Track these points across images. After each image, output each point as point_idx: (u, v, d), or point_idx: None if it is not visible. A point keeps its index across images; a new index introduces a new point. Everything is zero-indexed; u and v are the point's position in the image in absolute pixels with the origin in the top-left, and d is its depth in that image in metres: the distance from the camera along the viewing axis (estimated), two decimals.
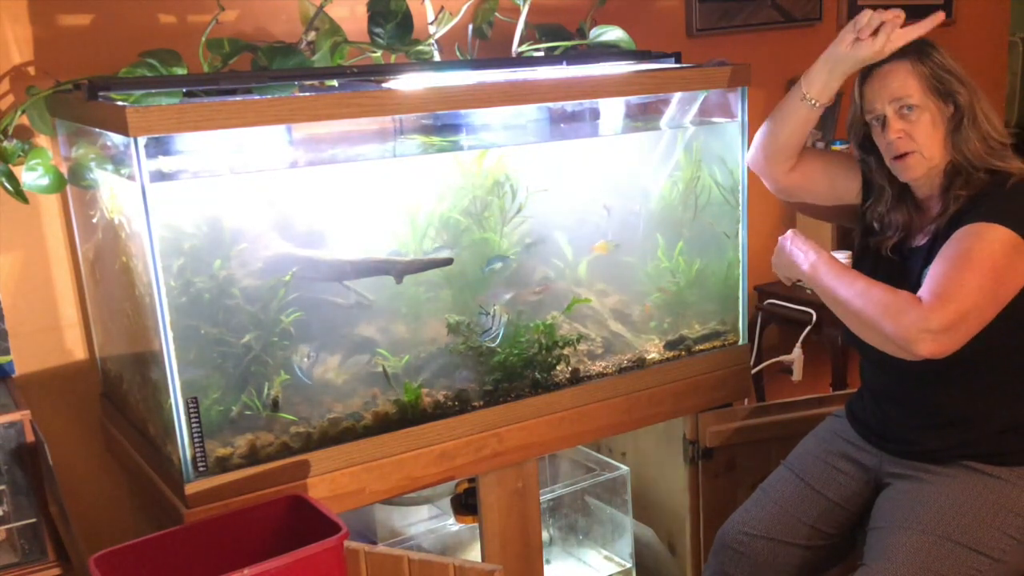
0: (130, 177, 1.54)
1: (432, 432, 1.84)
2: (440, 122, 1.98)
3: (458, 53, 2.21)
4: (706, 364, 2.15)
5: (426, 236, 1.83)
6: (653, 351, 2.11)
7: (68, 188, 1.94)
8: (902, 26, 1.71)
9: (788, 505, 1.86)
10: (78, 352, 2.05)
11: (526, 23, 2.15)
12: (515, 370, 1.94)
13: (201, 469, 1.63)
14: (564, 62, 2.06)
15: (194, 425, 1.61)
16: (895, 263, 1.79)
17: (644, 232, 2.09)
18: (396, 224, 1.81)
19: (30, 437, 1.68)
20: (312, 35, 1.91)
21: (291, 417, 1.73)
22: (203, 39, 1.85)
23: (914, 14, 1.73)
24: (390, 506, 2.22)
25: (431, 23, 2.10)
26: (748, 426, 2.20)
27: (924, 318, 1.55)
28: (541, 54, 2.16)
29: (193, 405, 1.60)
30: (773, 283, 2.83)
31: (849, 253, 1.99)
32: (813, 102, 1.83)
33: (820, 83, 1.81)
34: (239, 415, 1.69)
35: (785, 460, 1.96)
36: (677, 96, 2.09)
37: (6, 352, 1.92)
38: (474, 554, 2.21)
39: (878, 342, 1.64)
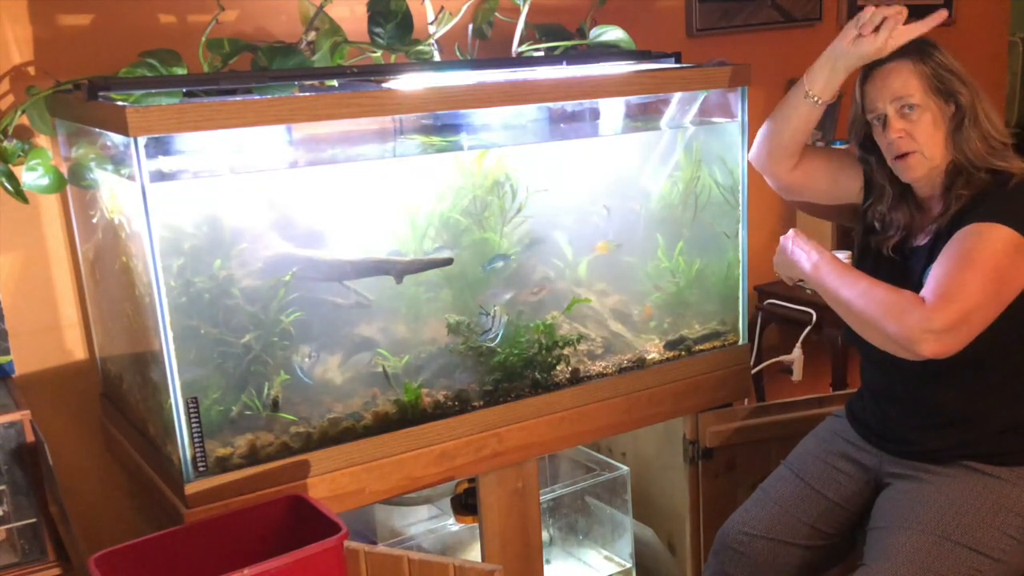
0: (130, 177, 1.54)
1: (432, 432, 1.84)
2: (440, 122, 1.98)
3: (458, 53, 2.21)
4: (706, 364, 2.15)
5: (426, 236, 1.83)
6: (653, 351, 2.11)
7: (68, 188, 1.94)
8: (904, 23, 1.71)
9: (788, 505, 1.86)
10: (78, 352, 2.05)
11: (526, 23, 2.15)
12: (515, 370, 1.94)
13: (201, 469, 1.63)
14: (564, 62, 2.06)
15: (194, 425, 1.61)
16: (896, 262, 1.79)
17: (644, 232, 2.09)
18: (396, 224, 1.81)
19: (30, 437, 1.68)
20: (312, 35, 1.91)
21: (291, 417, 1.73)
22: (203, 39, 1.85)
23: (915, 14, 1.73)
24: (390, 506, 2.22)
25: (431, 23, 2.10)
26: (748, 426, 2.20)
27: (927, 318, 1.55)
28: (541, 54, 2.16)
29: (193, 405, 1.60)
30: (773, 283, 2.83)
31: (849, 253, 1.99)
32: (816, 99, 1.83)
33: (822, 80, 1.81)
34: (239, 415, 1.69)
35: (785, 460, 1.96)
36: (677, 96, 2.09)
37: (6, 352, 1.92)
38: (474, 554, 2.21)
39: (880, 342, 1.64)
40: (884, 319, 1.60)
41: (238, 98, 1.69)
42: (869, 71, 1.76)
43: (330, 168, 1.83)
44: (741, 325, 2.20)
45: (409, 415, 1.83)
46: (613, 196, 2.04)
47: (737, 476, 2.23)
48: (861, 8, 2.75)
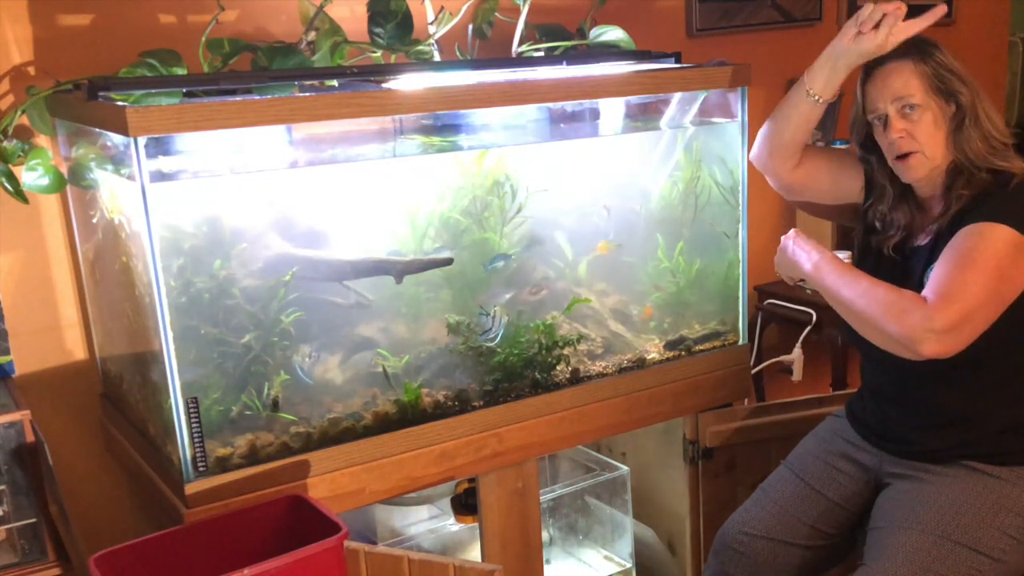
0: (130, 177, 1.54)
1: (432, 432, 1.84)
2: (440, 122, 1.98)
3: (458, 53, 2.21)
4: (706, 364, 2.15)
5: (426, 236, 1.83)
6: (653, 351, 2.11)
7: (68, 188, 1.94)
8: (904, 19, 1.71)
9: (788, 505, 1.86)
10: (78, 352, 2.05)
11: (526, 23, 2.15)
12: (515, 370, 1.94)
13: (201, 469, 1.63)
14: (564, 62, 2.06)
15: (194, 425, 1.61)
16: (897, 262, 1.79)
17: (644, 232, 2.09)
18: (396, 224, 1.81)
19: (30, 437, 1.68)
20: (312, 35, 1.91)
21: (291, 417, 1.73)
22: (203, 39, 1.85)
23: (914, 13, 1.73)
24: (390, 506, 2.22)
25: (431, 23, 2.10)
26: (748, 426, 2.20)
27: (928, 318, 1.55)
28: (541, 54, 2.16)
29: (193, 405, 1.60)
30: (773, 283, 2.83)
31: (850, 253, 1.99)
32: (817, 98, 1.83)
33: (823, 78, 1.81)
34: (239, 415, 1.69)
35: (785, 460, 1.96)
36: (677, 96, 2.09)
37: (6, 352, 1.92)
38: (474, 554, 2.21)
39: (882, 342, 1.64)
40: (885, 319, 1.60)
41: (238, 98, 1.69)
42: (870, 71, 1.76)
43: (330, 168, 1.83)
44: (741, 325, 2.20)
45: (409, 415, 1.83)
46: (613, 196, 2.04)
47: (737, 476, 2.23)
48: (859, 7, 2.75)
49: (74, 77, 1.83)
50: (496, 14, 2.20)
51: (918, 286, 1.68)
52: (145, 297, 1.61)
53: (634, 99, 2.09)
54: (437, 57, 2.09)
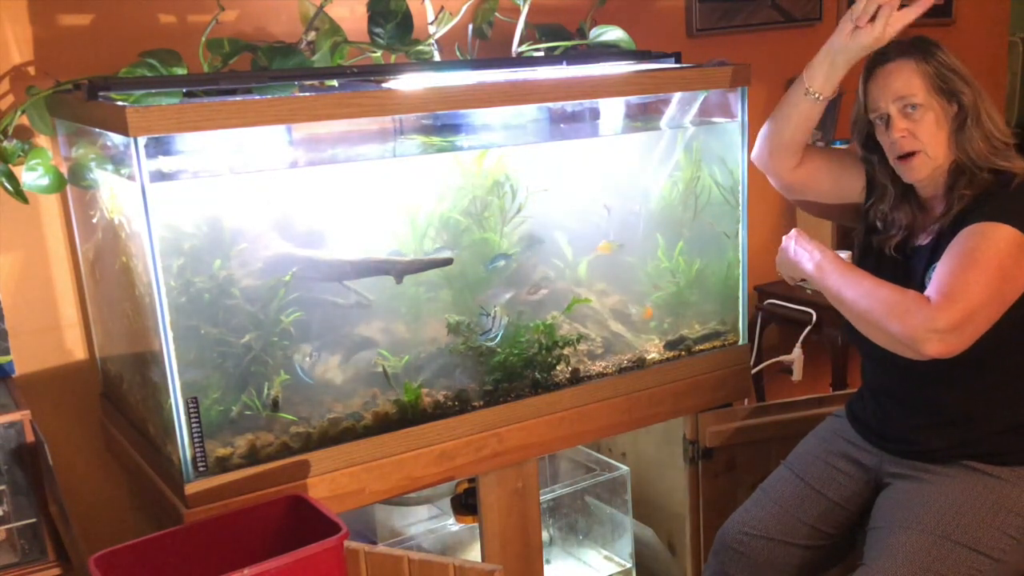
0: (130, 177, 1.54)
1: (432, 432, 1.84)
2: (440, 122, 1.98)
3: (458, 53, 2.21)
4: (706, 364, 2.15)
5: (426, 236, 1.83)
6: (653, 351, 2.11)
7: (68, 188, 1.94)
8: (899, 8, 1.71)
9: (788, 505, 1.86)
10: (78, 352, 2.05)
11: (526, 23, 2.15)
12: (515, 370, 1.94)
13: (201, 469, 1.63)
14: (564, 62, 2.06)
15: (194, 425, 1.61)
16: (898, 262, 1.79)
17: (644, 232, 2.09)
18: (396, 224, 1.81)
19: (30, 437, 1.68)
20: (312, 35, 1.91)
21: (291, 417, 1.73)
22: (203, 39, 1.85)
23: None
24: (390, 506, 2.22)
25: (431, 23, 2.10)
26: (748, 426, 2.20)
27: (931, 318, 1.55)
28: (541, 54, 2.16)
29: (193, 405, 1.60)
30: (773, 283, 2.83)
31: (850, 253, 1.99)
32: (816, 95, 1.83)
33: (822, 76, 1.82)
34: (239, 415, 1.69)
35: (785, 460, 1.96)
36: (677, 96, 2.09)
37: (6, 352, 1.92)
38: (474, 554, 2.21)
39: (884, 342, 1.64)
40: (888, 319, 1.60)
41: (238, 98, 1.69)
42: (872, 71, 1.76)
43: (330, 168, 1.83)
44: (741, 325, 2.20)
45: (409, 415, 1.83)
46: (613, 196, 2.04)
47: (737, 476, 2.23)
48: (855, 3, 2.72)
49: (74, 77, 1.83)
50: (496, 14, 2.20)
51: (920, 286, 1.68)
52: (145, 297, 1.61)
53: (634, 99, 2.09)
54: (437, 57, 2.09)
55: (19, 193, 1.83)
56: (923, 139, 1.70)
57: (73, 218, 1.98)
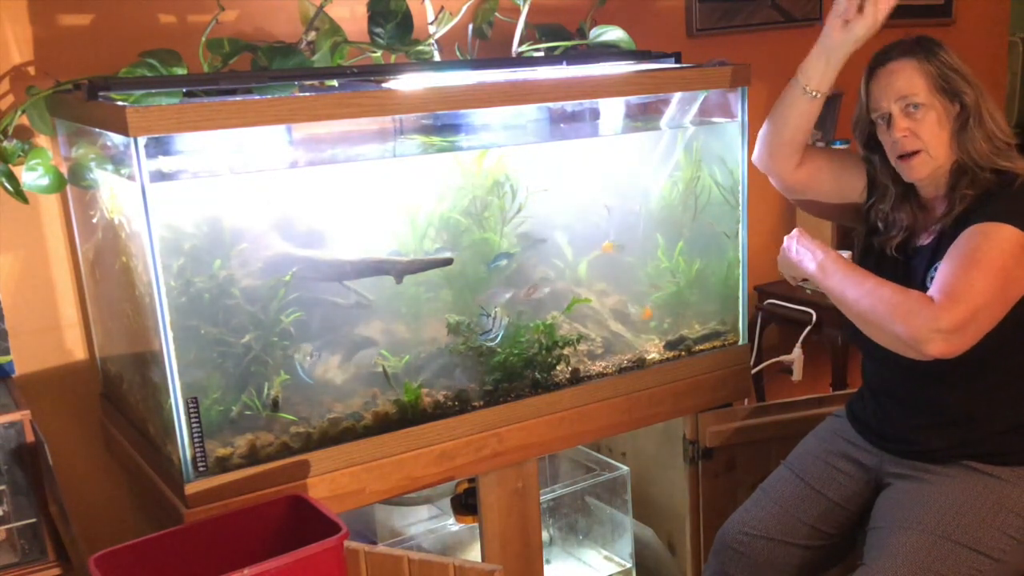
0: (130, 177, 1.53)
1: (432, 432, 1.84)
2: (440, 122, 1.98)
3: (458, 53, 2.21)
4: (706, 364, 2.15)
5: (426, 236, 1.83)
6: (653, 351, 2.11)
7: (68, 188, 1.94)
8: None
9: (788, 505, 1.86)
10: (78, 352, 2.05)
11: (526, 23, 2.15)
12: (515, 370, 1.94)
13: (201, 469, 1.63)
14: (564, 62, 2.06)
15: (194, 425, 1.61)
16: (899, 262, 1.79)
17: (644, 232, 2.09)
18: (396, 224, 1.81)
19: (30, 437, 1.68)
20: (312, 35, 1.91)
21: (291, 417, 1.73)
22: (203, 39, 1.85)
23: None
24: (390, 506, 2.22)
25: (431, 23, 2.10)
26: (748, 426, 2.20)
27: (935, 318, 1.55)
28: (541, 54, 2.16)
29: (193, 405, 1.60)
30: (773, 283, 2.83)
31: (850, 253, 1.99)
32: (814, 93, 1.83)
33: (819, 73, 1.82)
34: (239, 415, 1.69)
35: (785, 460, 1.96)
36: (677, 96, 2.09)
37: (6, 352, 1.92)
38: (474, 554, 2.21)
39: (887, 342, 1.64)
40: (891, 319, 1.60)
41: (238, 98, 1.69)
42: (874, 70, 1.76)
43: (330, 168, 1.83)
44: (741, 325, 2.20)
45: (409, 415, 1.83)
46: (613, 196, 2.04)
47: (737, 476, 2.23)
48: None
49: (74, 77, 1.83)
50: (496, 14, 2.20)
51: (921, 286, 1.68)
52: (145, 297, 1.61)
53: (634, 99, 2.09)
54: (437, 57, 2.09)
55: (19, 193, 1.83)
56: (925, 138, 1.70)
57: (73, 218, 1.98)
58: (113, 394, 2.00)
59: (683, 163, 2.08)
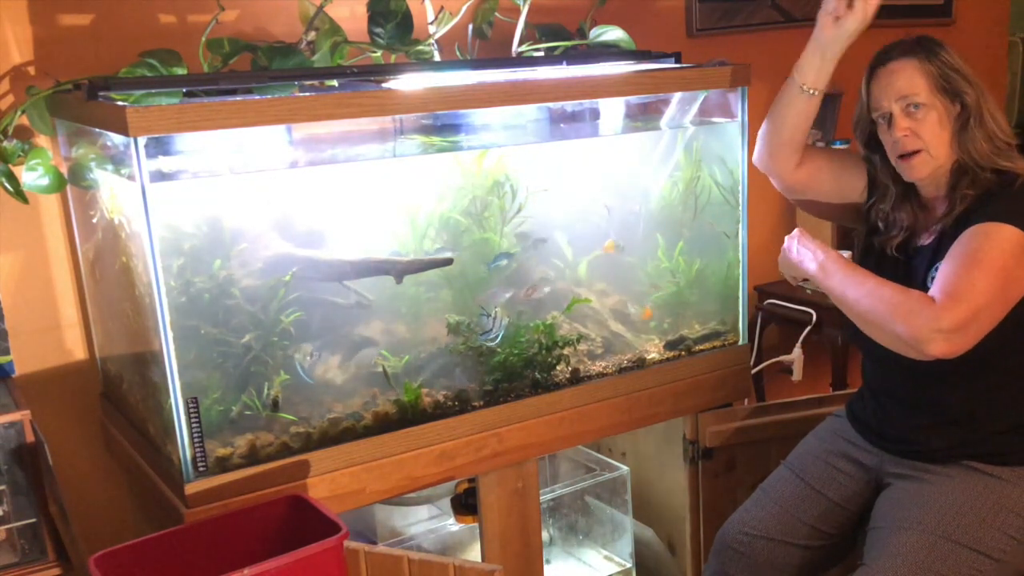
0: (130, 177, 1.53)
1: (432, 432, 1.84)
2: (440, 122, 1.98)
3: (458, 53, 2.21)
4: (706, 364, 2.15)
5: (426, 236, 1.83)
6: (653, 351, 2.11)
7: (68, 188, 1.94)
8: None
9: (788, 505, 1.86)
10: (78, 352, 2.05)
11: (526, 23, 2.15)
12: (515, 370, 1.94)
13: (201, 469, 1.63)
14: (564, 62, 2.06)
15: (194, 425, 1.61)
16: (900, 262, 1.79)
17: (644, 232, 2.09)
18: (396, 224, 1.81)
19: (30, 437, 1.68)
20: (312, 35, 1.91)
21: (291, 417, 1.73)
22: (203, 39, 1.85)
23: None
24: (390, 506, 2.22)
25: (431, 23, 2.10)
26: (748, 426, 2.20)
27: (936, 318, 1.55)
28: (541, 54, 2.16)
29: (193, 405, 1.60)
30: (773, 283, 2.83)
31: (850, 253, 1.99)
32: (811, 91, 1.83)
33: (814, 71, 1.82)
34: (239, 415, 1.69)
35: (785, 460, 1.96)
36: (677, 96, 2.09)
37: (6, 352, 1.92)
38: (474, 554, 2.21)
39: (888, 342, 1.64)
40: (892, 319, 1.60)
41: (238, 98, 1.69)
42: (875, 69, 1.76)
43: (330, 168, 1.83)
44: (741, 325, 2.20)
45: (409, 415, 1.83)
46: (613, 196, 2.04)
47: (737, 476, 2.23)
48: None
49: (74, 77, 1.83)
50: (496, 14, 2.20)
51: (922, 286, 1.68)
52: (145, 297, 1.61)
53: (634, 99, 2.09)
54: (437, 57, 2.09)
55: (19, 193, 1.83)
56: (925, 138, 1.70)
57: (73, 218, 1.98)
58: (113, 394, 2.00)
59: (683, 163, 2.08)
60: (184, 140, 1.64)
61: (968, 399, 1.72)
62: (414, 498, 2.17)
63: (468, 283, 1.89)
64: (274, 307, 1.70)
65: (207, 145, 1.68)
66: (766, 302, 2.85)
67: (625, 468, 2.33)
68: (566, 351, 2.00)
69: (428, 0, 2.11)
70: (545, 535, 2.36)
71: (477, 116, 1.98)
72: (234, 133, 1.61)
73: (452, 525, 2.22)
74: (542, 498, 2.08)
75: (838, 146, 2.83)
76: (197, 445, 1.62)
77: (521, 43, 2.16)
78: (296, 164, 1.81)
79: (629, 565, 2.37)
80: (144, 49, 1.82)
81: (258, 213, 1.71)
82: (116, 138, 1.61)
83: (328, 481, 1.75)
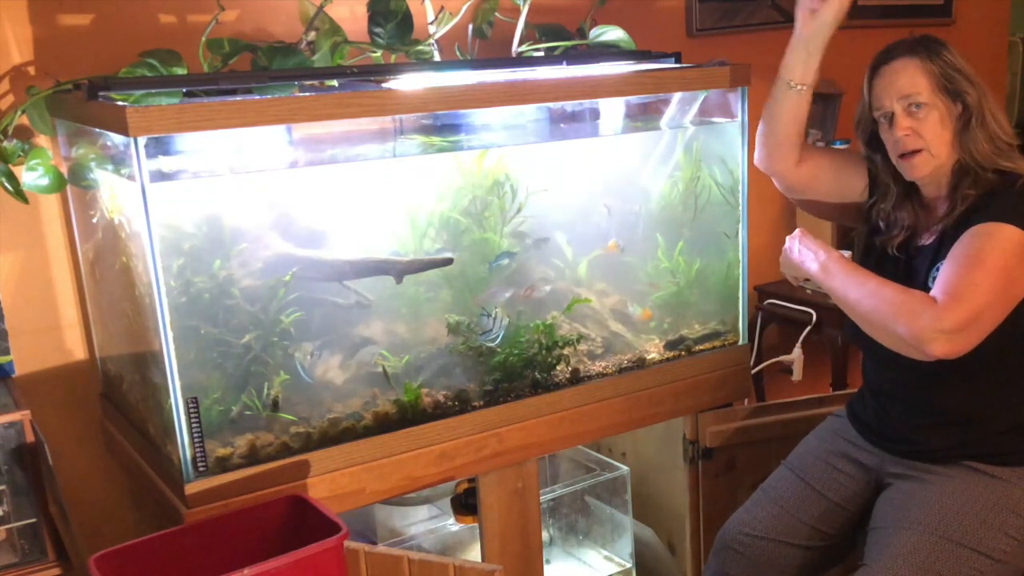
0: (130, 177, 1.53)
1: (432, 432, 1.84)
2: (440, 122, 1.98)
3: (458, 53, 2.21)
4: (706, 364, 2.15)
5: (426, 236, 1.83)
6: (653, 351, 2.11)
7: (68, 188, 1.94)
8: None
9: (788, 505, 1.86)
10: (78, 352, 2.05)
11: (526, 23, 2.15)
12: (515, 370, 1.94)
13: (201, 469, 1.63)
14: (564, 62, 2.06)
15: (194, 425, 1.61)
16: (901, 261, 1.80)
17: (644, 232, 2.09)
18: (396, 224, 1.81)
19: (30, 437, 1.68)
20: (312, 35, 1.91)
21: (291, 417, 1.73)
22: (203, 39, 1.85)
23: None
24: (390, 506, 2.22)
25: (431, 23, 2.10)
26: (748, 426, 2.20)
27: (938, 318, 1.55)
28: (541, 54, 2.16)
29: (193, 405, 1.60)
30: (773, 283, 2.83)
31: (850, 253, 1.99)
32: (799, 87, 1.84)
33: (801, 66, 1.83)
34: (239, 415, 1.69)
35: (785, 460, 1.96)
36: (677, 96, 2.09)
37: (6, 352, 1.92)
38: (474, 554, 2.21)
39: (890, 342, 1.64)
40: (894, 319, 1.60)
41: (238, 98, 1.69)
42: (877, 68, 1.76)
43: (330, 168, 1.83)
44: (741, 325, 2.20)
45: (409, 415, 1.83)
46: (613, 196, 2.04)
47: (737, 476, 2.23)
48: (861, 7, 2.74)
49: (74, 77, 1.83)
50: (496, 14, 2.20)
51: (923, 286, 1.68)
52: (145, 297, 1.61)
53: (634, 99, 2.09)
54: (437, 57, 2.09)
55: (19, 193, 1.83)
56: (926, 137, 1.70)
57: (73, 218, 1.98)
58: (113, 394, 2.00)
59: (683, 163, 2.08)
60: (184, 140, 1.64)
61: (969, 399, 1.72)
62: (414, 498, 2.17)
63: (468, 283, 1.89)
64: (274, 307, 1.70)
65: (207, 145, 1.68)
66: (766, 302, 2.85)
67: (625, 468, 2.33)
68: (566, 351, 2.00)
69: (428, 0, 2.11)
70: (545, 535, 2.36)
71: (477, 116, 1.98)
72: (234, 133, 1.61)
73: (452, 525, 2.23)
74: (542, 498, 2.08)
75: (838, 146, 2.83)
76: (197, 445, 1.62)
77: (521, 43, 2.16)
78: (296, 164, 1.81)
79: (629, 565, 2.37)
80: (144, 49, 1.82)
81: (258, 213, 1.71)
82: (116, 138, 1.61)
83: (328, 481, 1.75)
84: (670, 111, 2.11)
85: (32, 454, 1.69)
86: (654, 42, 2.25)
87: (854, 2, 1.78)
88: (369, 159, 1.87)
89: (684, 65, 2.09)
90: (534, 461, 2.00)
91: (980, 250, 1.60)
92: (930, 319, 1.56)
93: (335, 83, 1.85)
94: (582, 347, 2.03)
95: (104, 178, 1.75)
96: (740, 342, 2.21)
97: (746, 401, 2.32)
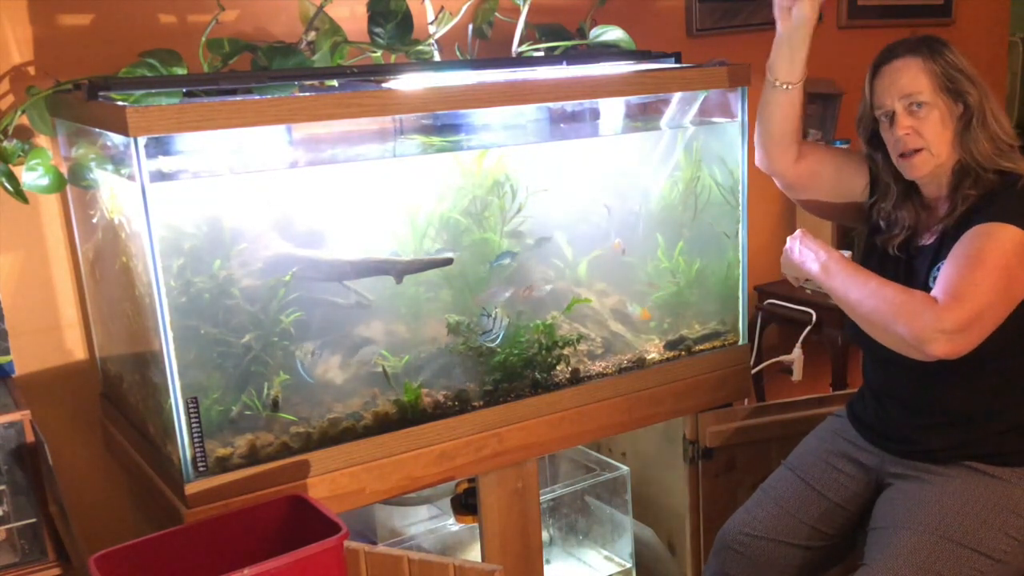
0: (130, 177, 1.53)
1: (432, 432, 1.84)
2: (440, 122, 1.98)
3: (458, 53, 2.21)
4: (706, 364, 2.15)
5: (426, 236, 1.83)
6: (653, 351, 2.11)
7: (68, 188, 1.94)
8: None
9: (788, 505, 1.86)
10: (78, 352, 2.05)
11: (526, 23, 2.15)
12: (515, 370, 1.94)
13: (201, 469, 1.63)
14: (564, 62, 2.06)
15: (194, 425, 1.61)
16: (902, 261, 1.80)
17: (644, 232, 2.09)
18: (396, 224, 1.81)
19: (30, 437, 1.68)
20: (312, 35, 1.91)
21: (291, 417, 1.73)
22: (203, 39, 1.85)
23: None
24: (390, 506, 2.22)
25: (431, 23, 2.10)
26: (748, 426, 2.20)
27: (939, 318, 1.55)
28: (541, 54, 2.16)
29: (193, 405, 1.60)
30: (773, 283, 2.83)
31: (851, 253, 1.99)
32: (786, 86, 1.84)
33: (786, 64, 1.83)
34: (239, 415, 1.69)
35: (785, 460, 1.96)
36: (677, 96, 2.09)
37: (6, 352, 1.92)
38: (474, 554, 2.21)
39: (890, 342, 1.64)
40: (895, 319, 1.60)
41: (238, 98, 1.69)
42: (878, 67, 1.76)
43: (330, 168, 1.83)
44: (741, 325, 2.20)
45: (409, 415, 1.83)
46: (613, 196, 2.04)
47: (737, 476, 2.23)
48: (861, 7, 2.74)
49: (74, 77, 1.83)
50: (496, 14, 2.20)
51: (923, 286, 1.68)
52: (145, 297, 1.61)
53: (634, 99, 2.09)
54: (437, 57, 2.09)
55: (19, 193, 1.83)
56: (927, 137, 1.70)
57: (73, 218, 1.98)
58: (113, 394, 2.00)
59: (683, 163, 2.08)
60: (184, 140, 1.64)
61: (969, 399, 1.72)
62: (414, 498, 2.17)
63: (468, 283, 1.89)
64: (274, 307, 1.70)
65: (207, 145, 1.68)
66: (766, 302, 2.85)
67: (625, 468, 2.33)
68: (566, 351, 2.00)
69: (428, 0, 2.11)
70: (545, 535, 2.36)
71: (477, 116, 1.98)
72: (234, 133, 1.61)
73: (452, 525, 2.23)
74: (542, 498, 2.08)
75: (838, 145, 2.83)
76: (197, 445, 1.62)
77: (521, 43, 2.16)
78: (296, 164, 1.81)
79: (629, 565, 2.37)
80: (144, 49, 1.82)
81: (258, 213, 1.71)
82: (116, 138, 1.61)
83: (328, 481, 1.75)
84: (670, 111, 2.11)
85: (32, 454, 1.69)
86: (654, 42, 2.25)
87: None
88: (369, 159, 1.87)
89: (684, 65, 2.09)
90: (534, 461, 2.00)
91: (981, 250, 1.60)
92: (931, 319, 1.56)
93: (335, 83, 1.85)
94: (582, 347, 2.03)
95: (104, 178, 1.75)
96: (740, 342, 2.21)
97: (746, 401, 2.32)
